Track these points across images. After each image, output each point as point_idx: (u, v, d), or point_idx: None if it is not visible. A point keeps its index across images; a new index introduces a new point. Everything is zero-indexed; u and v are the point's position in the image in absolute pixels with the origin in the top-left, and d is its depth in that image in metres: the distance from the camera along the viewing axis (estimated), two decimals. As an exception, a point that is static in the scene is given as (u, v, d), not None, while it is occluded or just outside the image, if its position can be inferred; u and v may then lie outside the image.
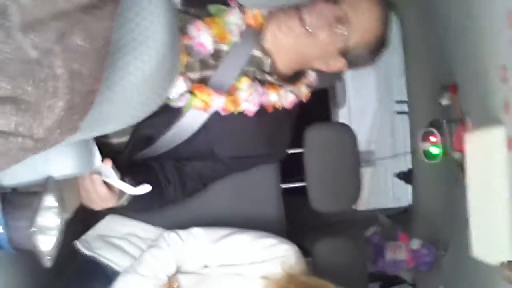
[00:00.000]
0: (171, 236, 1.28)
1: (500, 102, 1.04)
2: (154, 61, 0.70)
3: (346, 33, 1.19)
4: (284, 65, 1.28)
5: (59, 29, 0.51)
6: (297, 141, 1.57)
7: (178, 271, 1.28)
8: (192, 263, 1.28)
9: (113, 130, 0.75)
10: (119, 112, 0.71)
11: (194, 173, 1.34)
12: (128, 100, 0.71)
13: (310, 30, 1.18)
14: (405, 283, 1.99)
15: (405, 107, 2.38)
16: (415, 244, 1.86)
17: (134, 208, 1.28)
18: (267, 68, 1.27)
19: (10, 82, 0.49)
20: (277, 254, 1.25)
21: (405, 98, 2.29)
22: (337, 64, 1.26)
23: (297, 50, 1.24)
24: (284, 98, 1.30)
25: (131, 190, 1.12)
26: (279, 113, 1.31)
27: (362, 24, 1.20)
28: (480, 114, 1.21)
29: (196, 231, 1.29)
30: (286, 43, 1.23)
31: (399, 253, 1.87)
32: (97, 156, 1.06)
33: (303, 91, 1.36)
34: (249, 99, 1.24)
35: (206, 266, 1.30)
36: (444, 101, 1.61)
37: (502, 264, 0.94)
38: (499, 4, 0.99)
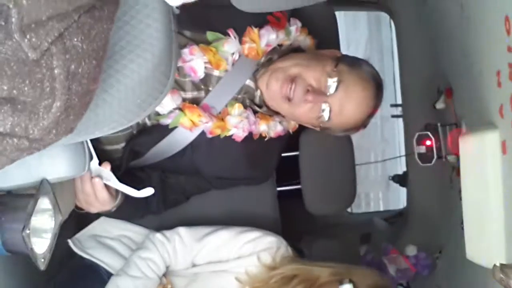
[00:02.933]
0: (157, 236, 1.29)
1: (494, 106, 1.04)
2: (150, 64, 0.70)
3: (326, 120, 1.23)
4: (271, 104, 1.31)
5: (57, 29, 0.50)
6: (293, 144, 1.57)
7: (169, 271, 1.28)
8: (180, 262, 1.29)
9: (109, 132, 0.75)
10: (115, 114, 0.71)
11: (178, 187, 1.35)
12: (124, 103, 0.71)
13: (291, 100, 1.21)
14: (400, 285, 1.99)
15: (400, 111, 2.39)
16: (411, 250, 1.85)
17: (118, 215, 1.29)
18: (257, 100, 1.30)
19: (7, 82, 0.49)
20: (261, 247, 1.27)
21: (400, 101, 2.30)
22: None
23: (277, 108, 1.29)
24: (273, 129, 1.33)
25: (134, 192, 1.12)
26: (268, 139, 1.33)
27: (344, 120, 1.24)
28: (474, 118, 1.21)
29: (181, 230, 1.30)
30: (269, 98, 1.27)
31: (400, 264, 1.87)
32: (95, 159, 1.05)
33: (292, 123, 1.38)
34: (239, 125, 1.25)
35: (194, 265, 1.30)
36: (439, 105, 1.62)
37: (495, 267, 0.94)
38: (496, 8, 0.99)
